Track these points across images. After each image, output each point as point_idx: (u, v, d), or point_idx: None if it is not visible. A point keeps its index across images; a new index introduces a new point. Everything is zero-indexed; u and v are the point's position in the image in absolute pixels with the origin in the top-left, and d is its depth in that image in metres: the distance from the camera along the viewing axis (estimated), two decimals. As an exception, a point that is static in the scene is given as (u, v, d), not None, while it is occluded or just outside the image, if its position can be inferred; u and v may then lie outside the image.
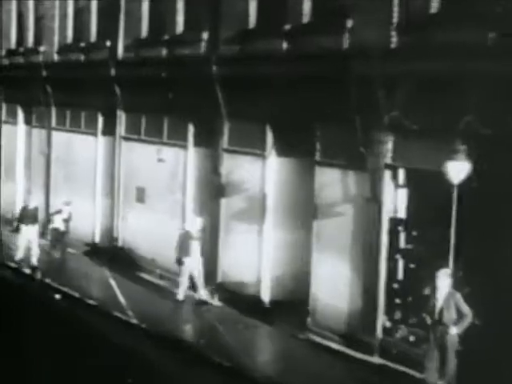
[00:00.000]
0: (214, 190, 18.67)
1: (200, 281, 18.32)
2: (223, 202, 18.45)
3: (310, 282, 16.22)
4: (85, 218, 23.67)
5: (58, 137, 25.73)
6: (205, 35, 19.00)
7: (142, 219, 21.34)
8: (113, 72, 22.13)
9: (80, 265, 22.37)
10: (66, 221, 22.18)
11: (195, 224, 18.40)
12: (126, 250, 21.89)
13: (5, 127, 29.70)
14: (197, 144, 19.55)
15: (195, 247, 18.25)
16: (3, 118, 29.78)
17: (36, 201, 22.22)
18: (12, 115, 29.08)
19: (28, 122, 28.13)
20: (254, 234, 17.61)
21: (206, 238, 18.95)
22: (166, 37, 20.44)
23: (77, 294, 19.10)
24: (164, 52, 20.47)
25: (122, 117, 22.22)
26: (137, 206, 21.65)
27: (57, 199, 25.60)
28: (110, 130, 22.84)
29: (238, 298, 17.89)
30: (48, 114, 26.13)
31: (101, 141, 23.44)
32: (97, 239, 23.60)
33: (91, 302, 18.47)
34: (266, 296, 17.50)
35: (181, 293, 18.45)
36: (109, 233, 22.83)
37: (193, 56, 19.29)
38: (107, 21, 22.98)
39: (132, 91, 21.53)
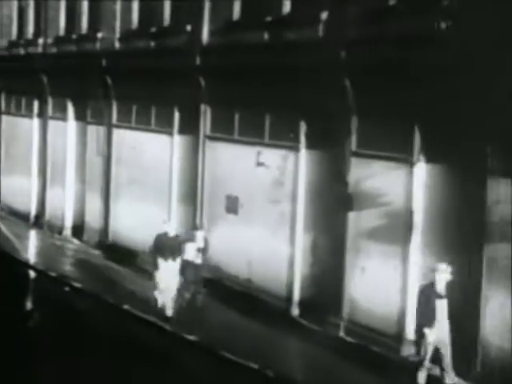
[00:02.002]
0: (337, 201, 15.41)
1: (447, 359, 12.73)
2: (351, 217, 15.20)
3: (478, 322, 12.96)
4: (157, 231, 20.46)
5: (121, 135, 22.52)
6: (324, 15, 15.75)
7: (234, 233, 18.11)
8: (197, 60, 18.87)
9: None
10: (202, 251, 17.45)
11: (440, 272, 12.57)
12: (211, 268, 18.63)
13: (52, 124, 26.49)
14: (312, 145, 16.28)
15: (442, 309, 12.67)
16: (50, 113, 26.58)
17: (176, 226, 17.57)
18: (60, 110, 25.91)
19: (81, 117, 24.91)
20: (395, 259, 14.37)
21: (326, 259, 15.79)
22: (269, 18, 17.21)
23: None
24: (266, 36, 17.21)
25: (207, 112, 18.96)
26: (227, 217, 18.41)
27: (118, 207, 22.54)
28: (190, 128, 19.57)
29: (372, 336, 14.65)
30: (108, 109, 22.91)
31: (178, 140, 20.19)
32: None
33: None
34: (411, 336, 14.22)
35: (422, 378, 12.89)
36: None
37: (307, 40, 16.02)
38: (186, 1, 19.76)
39: (221, 82, 18.27)
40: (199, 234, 17.30)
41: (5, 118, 30.04)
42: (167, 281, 16.37)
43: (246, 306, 17.21)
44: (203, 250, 17.26)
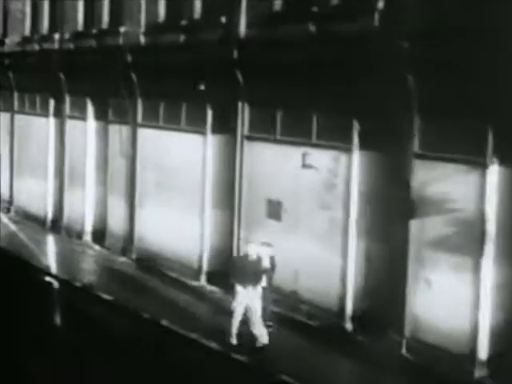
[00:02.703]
0: (398, 207, 14.11)
1: None
2: (414, 224, 13.89)
3: None
4: (189, 237, 19.25)
5: (147, 135, 21.20)
6: (380, 3, 14.44)
7: (277, 240, 16.67)
8: (234, 55, 17.56)
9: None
10: (268, 272, 15.00)
11: None
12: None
13: (70, 123, 25.17)
14: (367, 146, 14.96)
15: None
16: (67, 112, 25.25)
17: (257, 246, 14.58)
18: (79, 109, 24.59)
19: (101, 117, 23.58)
20: (466, 271, 13.08)
21: (383, 270, 14.50)
22: (315, 9, 15.90)
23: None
24: (312, 28, 15.90)
25: (245, 111, 17.64)
26: (268, 223, 17.09)
27: (144, 211, 21.24)
28: (226, 128, 18.27)
29: (438, 355, 13.36)
30: (133, 107, 21.59)
31: (212, 141, 18.87)
32: (205, 263, 19.04)
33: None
34: (483, 353, 12.96)
35: None
36: (223, 257, 18.26)
37: (361, 32, 14.70)
38: (220, -9, 18.49)
39: (262, 78, 16.95)
40: (264, 252, 14.86)
41: (18, 116, 28.73)
42: (247, 309, 14.31)
43: (292, 319, 15.93)
44: (269, 272, 15.03)
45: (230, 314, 16.17)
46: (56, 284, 19.42)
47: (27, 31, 27.99)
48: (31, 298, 17.45)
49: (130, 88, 21.44)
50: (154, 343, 14.69)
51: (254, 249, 14.46)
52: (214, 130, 18.78)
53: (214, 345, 14.53)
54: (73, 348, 14.31)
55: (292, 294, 16.33)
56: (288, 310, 16.25)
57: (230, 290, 14.81)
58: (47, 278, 19.85)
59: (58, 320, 16.68)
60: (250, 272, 14.20)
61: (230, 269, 14.77)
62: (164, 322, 15.78)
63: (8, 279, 18.88)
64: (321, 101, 15.65)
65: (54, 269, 20.71)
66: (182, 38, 19.64)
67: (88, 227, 24.14)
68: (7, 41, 29.12)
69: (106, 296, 17.91)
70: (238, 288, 14.25)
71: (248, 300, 14.23)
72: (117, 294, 17.95)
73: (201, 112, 18.98)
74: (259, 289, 14.31)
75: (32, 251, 22.58)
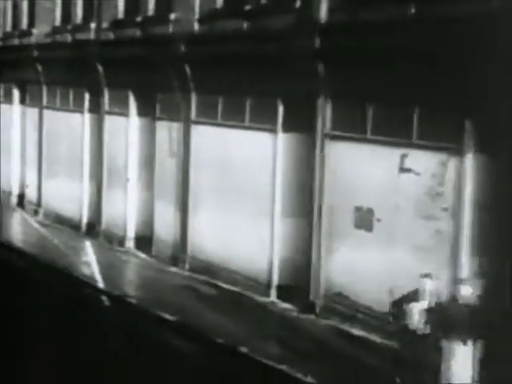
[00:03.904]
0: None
1: None
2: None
3: None
4: (256, 247, 17.27)
5: (202, 133, 19.20)
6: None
7: (367, 254, 14.76)
8: (316, 43, 15.53)
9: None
10: (429, 314, 11.63)
11: None
12: (338, 297, 15.36)
13: (108, 119, 23.20)
14: (483, 148, 12.89)
15: None
16: (106, 107, 23.27)
17: (472, 288, 11.27)
18: (119, 104, 22.65)
19: (147, 113, 21.65)
20: None
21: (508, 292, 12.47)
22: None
23: None
24: (412, 11, 13.87)
25: (326, 106, 15.60)
26: (356, 234, 15.06)
27: (199, 217, 19.25)
28: (302, 125, 16.23)
29: None
30: (185, 103, 19.57)
31: (283, 140, 16.84)
32: (275, 277, 17.03)
33: None
34: None
35: None
36: (298, 270, 16.28)
37: (477, 13, 12.66)
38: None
39: (348, 69, 14.95)
40: (428, 286, 11.66)
41: (47, 112, 26.78)
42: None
43: (386, 347, 13.88)
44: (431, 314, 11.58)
45: (316, 340, 14.41)
46: (106, 301, 17.42)
47: (58, 21, 26.03)
48: (78, 317, 15.39)
49: (182, 81, 19.44)
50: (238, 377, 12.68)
51: (468, 290, 11.30)
52: (286, 128, 16.75)
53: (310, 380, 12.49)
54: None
55: (385, 317, 14.28)
56: (380, 335, 14.19)
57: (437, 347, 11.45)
58: (95, 293, 17.86)
59: (113, 345, 14.63)
60: (467, 321, 11.18)
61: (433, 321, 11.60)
62: (243, 350, 13.72)
63: (48, 295, 16.91)
64: (424, 93, 13.62)
65: (100, 281, 18.63)
66: (244, 25, 17.61)
67: (131, 233, 22.18)
68: (35, 31, 27.20)
69: (167, 316, 15.85)
70: (454, 345, 11.12)
71: (463, 361, 11.24)
72: (178, 313, 15.88)
73: (270, 107, 16.97)
74: (479, 345, 11.24)
75: (71, 260, 20.60)
